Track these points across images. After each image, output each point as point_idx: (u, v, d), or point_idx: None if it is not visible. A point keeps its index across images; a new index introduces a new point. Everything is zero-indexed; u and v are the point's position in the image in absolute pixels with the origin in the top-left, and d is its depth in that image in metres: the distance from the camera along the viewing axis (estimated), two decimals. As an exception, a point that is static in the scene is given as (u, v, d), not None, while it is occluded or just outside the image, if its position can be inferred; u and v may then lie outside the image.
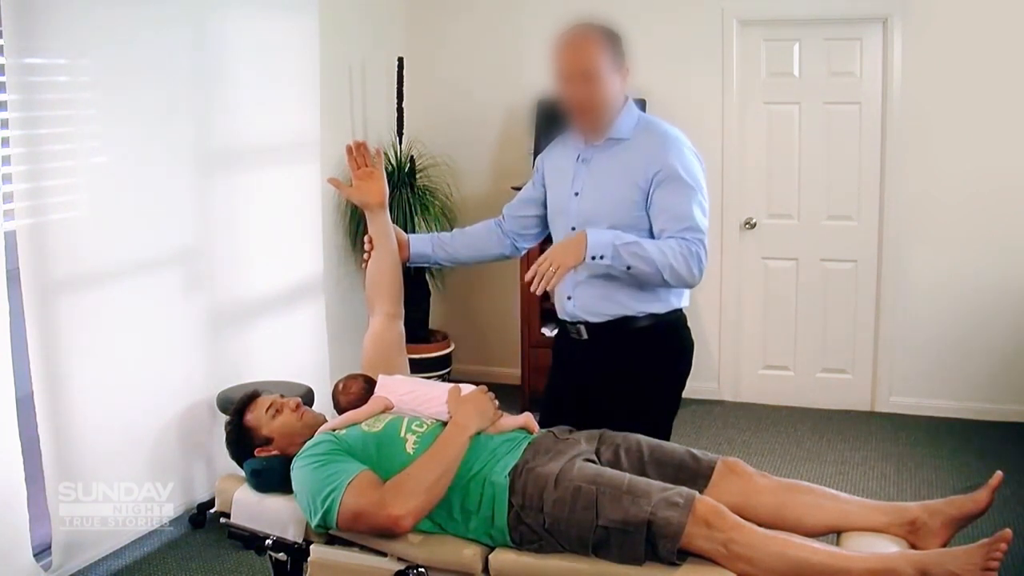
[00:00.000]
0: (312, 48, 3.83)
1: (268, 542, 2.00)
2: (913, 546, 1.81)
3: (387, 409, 2.03)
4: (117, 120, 3.01)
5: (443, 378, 4.31)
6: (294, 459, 1.91)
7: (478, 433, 1.92)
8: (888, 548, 1.77)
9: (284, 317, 3.82)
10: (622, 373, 2.21)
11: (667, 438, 2.19)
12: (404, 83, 4.37)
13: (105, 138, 2.98)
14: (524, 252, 2.55)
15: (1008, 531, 1.62)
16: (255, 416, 2.05)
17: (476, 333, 4.97)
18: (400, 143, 4.41)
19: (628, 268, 2.04)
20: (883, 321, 4.40)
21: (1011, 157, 4.12)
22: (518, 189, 2.52)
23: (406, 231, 2.48)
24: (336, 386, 2.14)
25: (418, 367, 4.12)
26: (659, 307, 2.20)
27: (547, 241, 2.38)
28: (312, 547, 1.95)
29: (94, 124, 2.96)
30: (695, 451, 2.00)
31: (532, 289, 2.01)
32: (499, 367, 4.86)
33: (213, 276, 3.45)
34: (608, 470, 1.88)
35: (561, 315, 2.32)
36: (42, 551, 2.86)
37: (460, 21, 4.80)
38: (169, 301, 3.26)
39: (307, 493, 1.83)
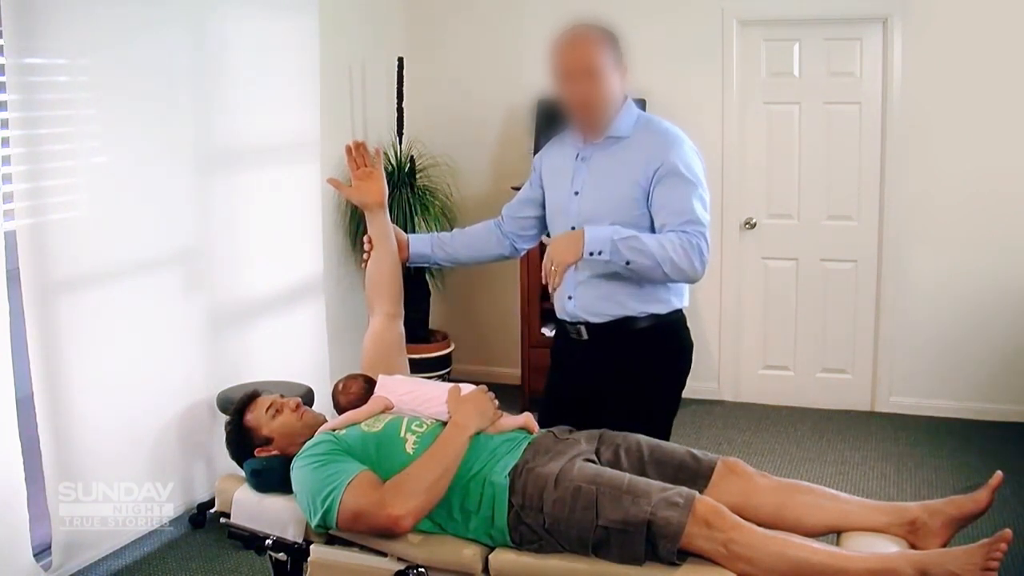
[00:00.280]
0: (312, 48, 3.83)
1: (268, 542, 2.00)
2: (913, 546, 1.80)
3: (387, 409, 2.03)
4: (117, 120, 3.01)
5: (443, 378, 4.31)
6: (294, 459, 1.91)
7: (478, 433, 1.92)
8: (888, 548, 1.77)
9: (284, 317, 3.82)
10: (622, 373, 2.21)
11: (667, 438, 2.18)
12: (404, 83, 4.37)
13: (105, 138, 2.98)
14: (523, 253, 2.55)
15: (1008, 531, 1.62)
16: (255, 416, 2.05)
17: (476, 333, 4.97)
18: (400, 143, 4.41)
19: (627, 263, 2.03)
20: (883, 321, 4.40)
21: (1011, 157, 4.12)
22: (518, 189, 2.51)
23: (406, 231, 2.48)
24: (336, 386, 2.14)
25: (418, 367, 4.12)
26: (660, 307, 2.20)
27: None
28: (312, 547, 1.95)
29: (94, 124, 2.96)
30: (695, 451, 2.00)
31: (549, 289, 2.02)
32: (499, 367, 4.86)
33: (213, 276, 3.45)
34: (608, 470, 1.88)
35: (561, 315, 2.32)
36: (42, 551, 2.86)
37: (460, 21, 4.80)
38: (169, 301, 3.26)
39: (307, 493, 1.83)
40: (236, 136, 3.51)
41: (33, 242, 2.74)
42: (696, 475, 1.94)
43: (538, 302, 4.36)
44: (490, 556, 1.85)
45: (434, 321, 4.76)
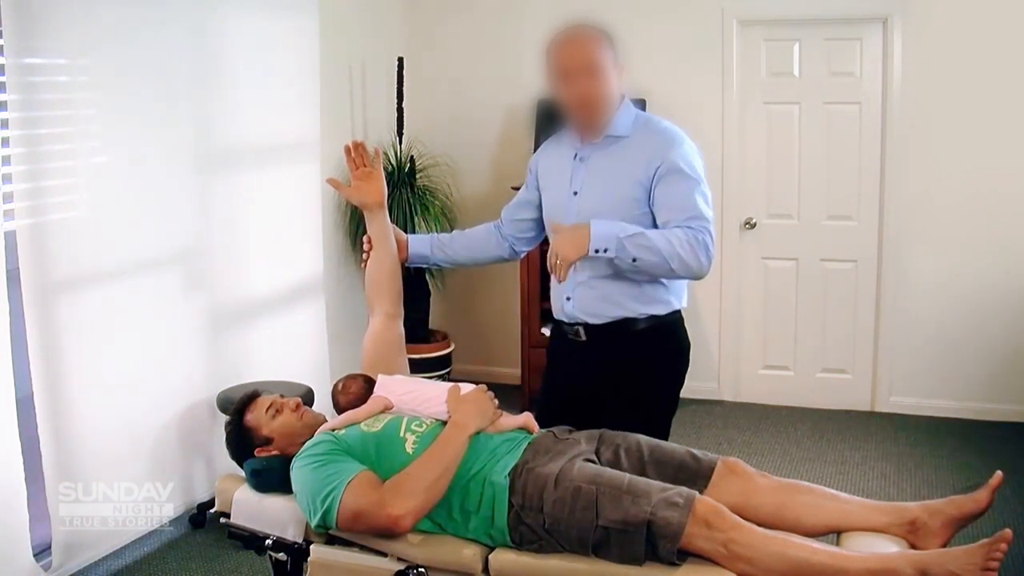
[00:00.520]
0: (312, 48, 3.83)
1: (268, 542, 2.00)
2: (913, 546, 1.80)
3: (386, 409, 2.03)
4: (117, 120, 3.01)
5: (443, 378, 4.31)
6: (294, 459, 1.91)
7: (478, 433, 1.92)
8: (888, 548, 1.77)
9: (284, 317, 3.82)
10: (620, 374, 2.21)
11: (666, 438, 2.18)
12: (404, 83, 4.37)
13: (105, 138, 2.98)
14: (523, 255, 2.54)
15: (1008, 531, 1.62)
16: (255, 416, 2.05)
17: (476, 333, 4.97)
18: (400, 143, 4.41)
19: (634, 260, 2.00)
20: (883, 321, 4.40)
21: (1011, 157, 4.12)
22: (518, 189, 2.51)
23: (406, 231, 2.48)
24: (335, 386, 2.14)
25: (418, 367, 4.12)
26: (660, 308, 2.20)
27: (545, 242, 2.37)
28: (312, 547, 1.95)
29: (94, 124, 2.96)
30: (695, 451, 1.99)
31: (557, 281, 2.03)
32: (499, 367, 4.86)
33: (213, 276, 3.45)
34: (608, 470, 1.88)
35: (559, 316, 2.31)
36: (42, 551, 2.85)
37: (460, 21, 4.79)
38: (169, 301, 3.26)
39: (307, 493, 1.83)
40: (236, 136, 3.51)
41: (33, 242, 2.74)
42: (696, 475, 1.93)
43: (538, 302, 4.36)
44: (490, 556, 1.85)
45: (434, 321, 4.76)
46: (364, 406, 2.02)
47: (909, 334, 4.37)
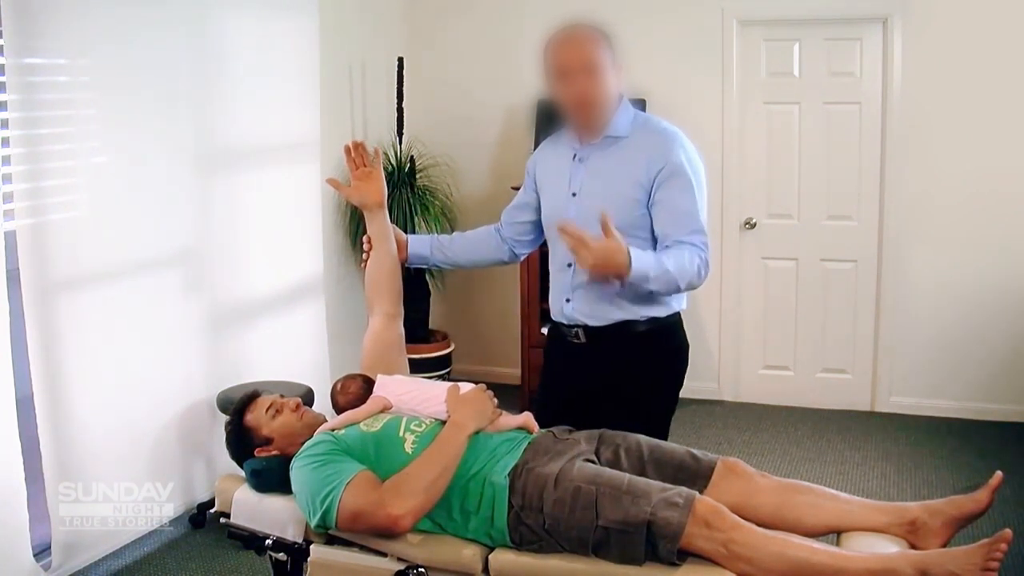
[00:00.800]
0: (312, 48, 3.83)
1: (268, 542, 2.00)
2: (913, 546, 1.80)
3: (386, 409, 2.03)
4: (117, 120, 3.01)
5: (443, 378, 4.30)
6: (293, 459, 1.91)
7: (477, 432, 1.92)
8: (888, 548, 1.77)
9: (284, 317, 3.82)
10: (619, 376, 2.20)
11: (665, 439, 2.17)
12: (404, 83, 4.37)
13: (105, 138, 2.98)
14: (522, 258, 2.53)
15: (1008, 531, 1.62)
16: (255, 416, 2.05)
17: (476, 333, 4.97)
18: (400, 143, 4.41)
19: (650, 292, 2.05)
20: (883, 321, 4.40)
21: (1011, 157, 4.12)
22: (518, 189, 2.50)
23: (406, 231, 2.48)
24: (335, 386, 2.13)
25: (418, 367, 4.12)
26: (660, 311, 2.19)
27: (545, 244, 2.37)
28: (312, 547, 1.95)
29: (94, 124, 2.96)
30: (695, 451, 1.99)
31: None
32: (499, 367, 4.86)
33: (213, 276, 3.45)
34: (608, 470, 1.88)
35: (557, 317, 2.30)
36: (42, 551, 2.86)
37: (460, 21, 4.80)
38: (169, 301, 3.26)
39: (306, 493, 1.83)
40: (236, 136, 3.51)
41: (33, 242, 2.74)
42: (696, 475, 1.93)
43: (538, 302, 4.36)
44: (490, 556, 1.85)
45: (434, 321, 4.76)
46: (363, 406, 2.02)
47: (909, 334, 4.37)
